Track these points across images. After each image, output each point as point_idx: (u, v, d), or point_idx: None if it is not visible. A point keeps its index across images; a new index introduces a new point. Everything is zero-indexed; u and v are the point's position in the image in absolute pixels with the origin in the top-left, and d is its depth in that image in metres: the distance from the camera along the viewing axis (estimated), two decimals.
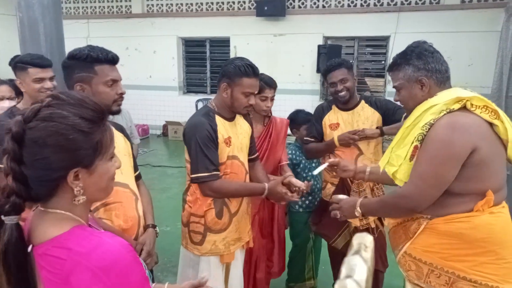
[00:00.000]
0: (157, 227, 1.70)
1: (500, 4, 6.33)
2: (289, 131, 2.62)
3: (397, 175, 1.48)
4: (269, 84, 2.28)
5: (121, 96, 1.52)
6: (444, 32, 6.69)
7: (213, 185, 1.80)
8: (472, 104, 1.38)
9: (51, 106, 0.81)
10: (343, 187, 2.41)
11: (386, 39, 7.25)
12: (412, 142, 1.42)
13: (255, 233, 2.37)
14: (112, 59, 1.48)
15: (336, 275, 2.60)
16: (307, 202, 2.68)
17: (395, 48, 6.98)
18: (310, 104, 7.62)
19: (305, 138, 2.58)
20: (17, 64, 2.11)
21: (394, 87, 1.60)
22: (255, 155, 2.14)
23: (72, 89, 1.45)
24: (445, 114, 1.37)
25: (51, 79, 2.09)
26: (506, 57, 5.80)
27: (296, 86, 7.72)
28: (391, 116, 2.39)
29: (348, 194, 2.36)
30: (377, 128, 2.38)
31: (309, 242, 2.75)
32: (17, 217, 0.81)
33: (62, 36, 2.55)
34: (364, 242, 0.67)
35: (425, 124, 1.39)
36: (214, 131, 1.82)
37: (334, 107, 2.50)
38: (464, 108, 1.38)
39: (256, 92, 1.89)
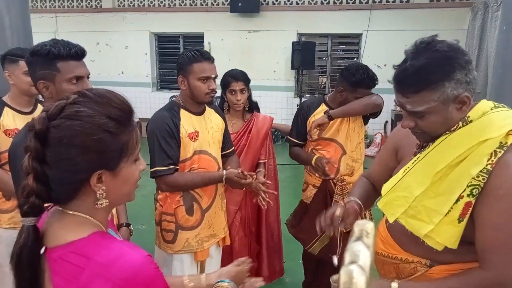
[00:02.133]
0: (131, 226, 1.67)
1: (466, 4, 6.56)
2: None
3: (434, 237, 1.11)
4: (235, 76, 2.26)
5: None
6: (414, 30, 6.86)
7: (167, 179, 1.78)
8: None
9: (77, 104, 0.77)
10: (325, 190, 2.36)
11: (358, 36, 7.38)
12: (461, 196, 1.06)
13: (237, 231, 2.35)
14: (76, 54, 1.38)
15: (308, 275, 2.64)
16: None
17: (367, 45, 7.13)
18: (285, 100, 7.68)
19: (287, 137, 2.56)
20: (7, 56, 2.07)
21: (414, 112, 1.11)
22: (230, 149, 2.12)
23: (36, 86, 1.39)
24: (502, 153, 1.03)
25: None
26: (472, 55, 6.03)
27: (271, 83, 7.74)
28: (368, 115, 2.36)
29: (331, 197, 2.32)
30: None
31: None
32: (35, 219, 0.76)
33: (30, 30, 2.45)
34: (365, 228, 0.68)
35: (480, 172, 1.04)
36: (176, 125, 1.80)
37: (323, 105, 2.38)
38: None
39: (213, 76, 1.82)
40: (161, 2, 8.05)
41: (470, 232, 1.07)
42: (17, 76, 2.05)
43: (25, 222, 0.76)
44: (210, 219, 1.94)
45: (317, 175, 2.38)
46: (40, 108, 2.20)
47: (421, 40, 1.13)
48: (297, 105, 6.75)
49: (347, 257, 0.62)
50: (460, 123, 1.11)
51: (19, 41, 2.35)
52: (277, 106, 7.63)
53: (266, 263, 2.57)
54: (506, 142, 1.04)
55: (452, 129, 1.11)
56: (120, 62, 8.35)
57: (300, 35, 7.59)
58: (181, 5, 7.97)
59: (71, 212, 0.80)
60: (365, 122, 2.39)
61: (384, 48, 7.10)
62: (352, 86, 2.22)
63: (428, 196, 1.12)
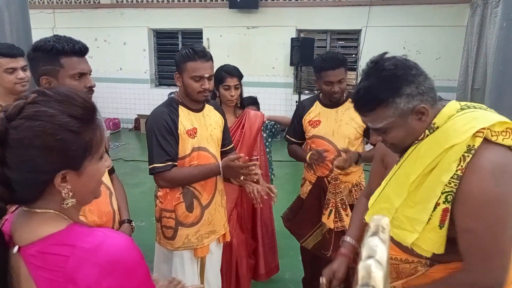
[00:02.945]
0: (133, 222, 1.67)
1: (465, 0, 6.55)
2: None
3: (420, 245, 1.13)
4: (229, 72, 2.25)
5: (90, 89, 1.44)
6: (413, 26, 6.87)
7: (166, 175, 1.77)
8: (492, 133, 1.07)
9: (37, 103, 0.74)
10: (320, 187, 2.36)
11: (357, 32, 7.37)
12: (437, 203, 1.08)
13: (234, 228, 2.36)
14: (79, 51, 1.39)
15: (306, 272, 2.67)
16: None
17: (366, 41, 7.12)
18: (284, 97, 7.68)
19: (286, 136, 2.57)
20: None
21: (376, 129, 1.16)
22: (230, 146, 2.12)
23: (38, 82, 1.39)
24: (471, 158, 1.04)
25: (23, 68, 2.01)
26: (471, 51, 6.03)
27: (270, 79, 7.73)
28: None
29: (325, 195, 2.34)
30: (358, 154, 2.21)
31: None
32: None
33: (29, 26, 2.44)
34: (381, 224, 0.68)
35: (452, 178, 1.06)
36: (174, 121, 1.79)
37: (317, 103, 2.38)
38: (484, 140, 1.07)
39: (207, 76, 1.79)
40: None
41: (455, 233, 1.10)
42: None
43: None
44: (210, 215, 1.93)
45: (312, 171, 2.39)
46: None
47: (371, 60, 1.16)
48: (296, 102, 6.74)
49: (364, 252, 0.62)
50: (427, 131, 1.13)
51: (18, 37, 2.34)
52: (276, 102, 7.63)
53: (262, 260, 2.58)
54: (474, 145, 1.05)
55: (420, 138, 1.14)
56: (119, 58, 8.32)
57: (299, 31, 7.58)
58: (179, 1, 7.94)
59: (39, 211, 0.79)
60: (366, 133, 2.32)
61: (383, 44, 7.07)
62: (316, 73, 2.26)
63: (407, 205, 1.15)
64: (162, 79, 8.63)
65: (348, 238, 1.49)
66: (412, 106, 1.09)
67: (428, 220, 1.10)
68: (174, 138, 1.79)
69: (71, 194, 0.79)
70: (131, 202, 1.76)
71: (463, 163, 1.05)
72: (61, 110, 0.75)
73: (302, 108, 2.43)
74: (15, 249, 0.77)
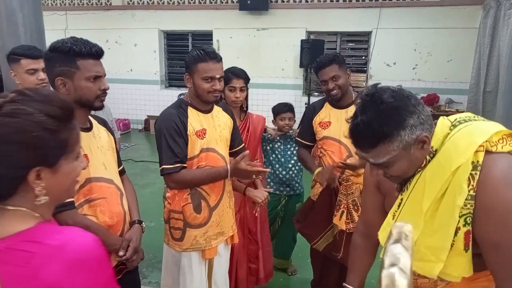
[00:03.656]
0: (143, 223, 1.68)
1: (477, 1, 6.47)
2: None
3: (449, 272, 1.10)
4: (236, 74, 2.26)
5: (104, 91, 1.47)
6: (424, 28, 6.81)
7: (175, 177, 1.78)
8: (491, 143, 1.07)
9: (16, 102, 0.77)
10: (330, 188, 2.35)
11: (368, 34, 7.32)
12: (458, 228, 1.06)
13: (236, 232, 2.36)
14: (96, 53, 1.41)
15: (315, 274, 2.66)
16: (281, 188, 2.83)
17: (377, 43, 7.08)
18: (293, 98, 7.65)
19: (296, 138, 2.59)
20: (10, 56, 2.07)
21: (379, 164, 1.11)
22: (240, 146, 2.12)
23: (53, 83, 1.41)
24: (478, 174, 1.03)
25: (44, 70, 2.05)
26: (483, 53, 5.96)
27: (279, 81, 7.73)
28: None
29: (336, 196, 2.33)
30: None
31: (275, 224, 2.88)
32: None
33: (42, 27, 2.46)
34: (403, 231, 0.67)
35: (466, 200, 1.04)
36: (183, 123, 1.80)
37: (326, 104, 2.39)
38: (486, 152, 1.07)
39: (218, 76, 1.81)
40: (170, 0, 8.07)
41: (477, 247, 1.08)
42: (20, 75, 2.04)
43: None
44: (218, 217, 1.93)
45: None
46: None
47: (366, 93, 1.10)
48: (305, 104, 6.73)
49: (387, 260, 0.61)
50: (428, 156, 1.11)
51: (31, 39, 2.36)
52: None
53: (262, 264, 2.57)
54: (478, 161, 1.04)
55: (423, 165, 1.12)
56: (129, 59, 8.39)
57: (309, 33, 7.56)
58: (190, 3, 7.98)
59: (11, 208, 0.81)
60: None
61: (393, 46, 7.04)
62: (315, 73, 2.33)
63: (426, 235, 1.11)
64: (172, 80, 8.67)
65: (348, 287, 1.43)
66: (415, 136, 1.05)
67: (452, 246, 1.07)
68: (183, 140, 1.79)
69: (44, 191, 0.81)
70: (141, 203, 1.77)
71: (473, 182, 1.03)
72: (39, 109, 0.78)
73: (312, 110, 2.44)
74: None
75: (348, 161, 2.23)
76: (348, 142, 2.26)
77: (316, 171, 2.32)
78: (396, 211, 1.20)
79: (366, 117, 1.06)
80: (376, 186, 1.38)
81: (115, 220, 1.52)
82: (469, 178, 1.03)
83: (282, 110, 2.84)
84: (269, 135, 2.81)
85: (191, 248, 1.90)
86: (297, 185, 2.89)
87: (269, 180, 2.77)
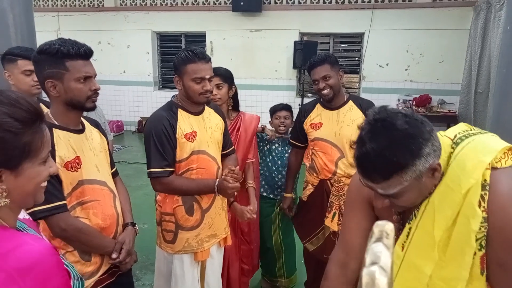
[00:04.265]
0: (136, 225, 1.67)
1: (469, 3, 6.54)
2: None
3: None
4: (215, 71, 2.24)
5: (95, 92, 1.45)
6: (417, 29, 6.87)
7: (163, 181, 1.78)
8: (495, 160, 1.02)
9: None
10: (322, 189, 2.36)
11: (360, 35, 7.37)
12: (474, 254, 0.99)
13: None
14: (84, 54, 1.39)
15: (309, 275, 2.65)
16: (275, 192, 2.75)
17: (370, 45, 7.12)
18: (286, 100, 7.66)
19: (289, 140, 2.58)
20: (6, 56, 2.05)
21: (390, 195, 1.01)
22: (230, 148, 2.10)
23: (43, 85, 1.39)
24: (488, 194, 0.98)
25: None
26: (474, 54, 6.01)
27: (273, 82, 7.74)
28: None
29: (327, 197, 2.33)
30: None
31: (276, 239, 2.76)
32: None
33: (33, 28, 2.44)
34: (385, 229, 0.67)
35: (481, 223, 0.97)
36: (172, 126, 1.78)
37: (318, 105, 2.39)
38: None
39: (208, 77, 1.78)
40: (163, 1, 8.05)
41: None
42: (16, 76, 2.03)
43: None
44: (211, 219, 1.92)
45: (314, 174, 2.40)
46: (41, 107, 2.19)
47: (375, 117, 0.99)
48: (299, 105, 6.74)
49: (368, 258, 0.61)
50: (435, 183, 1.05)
51: (22, 40, 2.34)
52: None
53: (250, 260, 2.58)
54: (486, 180, 0.98)
55: (430, 193, 1.04)
56: (122, 61, 8.35)
57: (302, 34, 7.58)
58: (183, 4, 7.96)
59: None
60: None
61: (386, 48, 7.09)
62: (308, 72, 2.33)
63: (439, 267, 1.03)
64: (165, 82, 8.65)
65: None
66: (428, 165, 0.96)
67: (469, 273, 1.00)
68: (172, 143, 1.78)
69: (5, 194, 0.80)
70: (134, 205, 1.76)
71: (484, 203, 0.97)
72: (3, 111, 0.77)
73: (303, 111, 2.44)
74: None
75: (340, 163, 2.27)
76: (339, 143, 2.28)
77: (285, 195, 2.55)
78: (405, 242, 1.10)
79: (377, 146, 0.95)
80: (369, 205, 1.23)
81: (108, 222, 1.51)
82: (480, 200, 0.98)
83: (277, 108, 2.83)
84: (267, 136, 2.76)
85: (183, 250, 1.89)
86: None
87: (263, 182, 2.74)
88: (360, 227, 1.23)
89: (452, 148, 1.05)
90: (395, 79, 7.20)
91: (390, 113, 0.98)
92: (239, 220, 2.13)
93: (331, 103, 2.32)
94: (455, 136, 1.07)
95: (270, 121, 2.86)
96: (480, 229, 0.97)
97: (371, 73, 7.31)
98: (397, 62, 7.13)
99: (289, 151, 2.66)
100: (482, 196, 0.98)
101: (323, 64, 2.22)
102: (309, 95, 7.49)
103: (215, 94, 2.22)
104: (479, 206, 0.97)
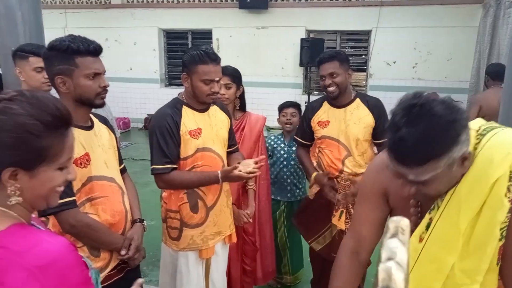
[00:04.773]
0: (144, 221, 1.68)
1: (477, 0, 6.47)
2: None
3: None
4: (223, 71, 2.24)
5: (104, 89, 1.46)
6: (425, 27, 6.81)
7: (165, 177, 1.78)
8: None
9: (11, 101, 0.78)
10: (329, 187, 2.31)
11: (367, 33, 7.32)
12: (496, 245, 1.00)
13: None
14: (94, 51, 1.40)
15: (315, 273, 2.64)
16: (282, 194, 2.71)
17: (377, 42, 7.07)
18: (293, 97, 7.62)
19: (294, 137, 2.56)
20: (18, 52, 2.06)
21: (420, 182, 0.99)
22: (234, 147, 2.10)
23: (53, 81, 1.40)
24: None
25: None
26: (483, 52, 5.96)
27: (279, 80, 7.72)
28: (377, 130, 2.26)
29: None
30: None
31: (281, 236, 2.75)
32: None
33: (41, 25, 2.44)
34: (400, 225, 0.67)
35: (507, 214, 0.98)
36: (176, 123, 1.78)
37: (325, 103, 2.37)
38: None
39: (217, 79, 1.79)
40: None
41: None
42: (27, 72, 2.04)
43: None
44: (215, 216, 1.92)
45: (321, 173, 2.37)
46: None
47: (411, 103, 0.96)
48: (305, 102, 6.72)
49: (384, 254, 0.61)
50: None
51: (31, 37, 2.34)
52: None
53: (260, 264, 2.54)
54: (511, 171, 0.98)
55: (456, 182, 1.03)
56: (129, 58, 8.38)
57: (308, 31, 7.55)
58: (189, 1, 7.96)
59: None
60: (373, 133, 2.30)
61: (393, 45, 7.04)
62: (317, 67, 2.30)
63: (461, 257, 1.03)
64: (171, 79, 8.66)
65: None
66: (462, 153, 0.96)
67: (489, 265, 1.01)
68: (175, 140, 1.78)
69: (18, 193, 0.80)
70: (141, 201, 1.77)
71: (510, 194, 0.97)
72: (29, 112, 0.78)
73: (311, 109, 2.43)
74: None
75: (347, 161, 2.25)
76: (346, 141, 2.27)
77: (313, 175, 2.34)
78: (423, 233, 1.08)
79: (415, 131, 0.93)
80: (383, 197, 1.22)
81: (117, 218, 1.52)
82: (506, 191, 0.97)
83: (284, 105, 2.81)
84: (272, 136, 2.75)
85: (188, 247, 1.89)
86: (298, 190, 2.77)
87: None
88: (373, 218, 1.23)
89: (478, 139, 1.03)
90: (403, 77, 7.15)
91: (427, 98, 0.96)
92: (235, 223, 2.12)
93: (337, 101, 2.31)
94: (479, 127, 1.07)
95: (278, 118, 2.85)
96: (505, 222, 0.97)
97: (378, 71, 7.27)
98: (405, 60, 7.08)
99: (296, 152, 2.64)
100: (508, 188, 0.97)
101: (332, 60, 2.20)
102: (315, 92, 7.47)
103: (223, 94, 2.22)
104: (506, 196, 0.97)
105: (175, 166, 1.80)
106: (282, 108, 2.81)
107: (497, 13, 5.63)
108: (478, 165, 1.00)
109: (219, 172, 1.80)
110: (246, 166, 1.90)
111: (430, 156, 0.94)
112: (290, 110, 2.76)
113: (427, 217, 1.09)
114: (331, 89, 2.23)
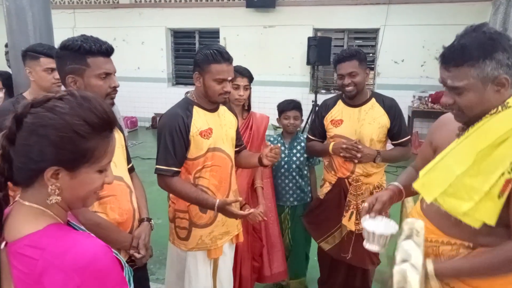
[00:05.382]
0: (152, 220, 1.69)
1: None
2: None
3: (473, 214, 1.11)
4: (241, 72, 2.24)
5: (114, 89, 1.47)
6: (433, 25, 6.74)
7: (167, 180, 1.78)
8: None
9: (61, 100, 0.80)
10: (340, 187, 2.32)
11: (375, 31, 7.28)
12: (502, 174, 1.08)
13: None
14: (106, 51, 1.42)
15: (323, 273, 2.62)
16: (284, 199, 2.63)
17: (385, 40, 7.03)
18: (300, 96, 7.62)
19: (307, 135, 2.52)
20: (28, 52, 2.07)
21: (453, 87, 1.17)
22: (241, 146, 2.10)
23: (64, 81, 1.42)
24: None
25: None
26: None
27: (286, 78, 7.71)
28: (394, 131, 2.25)
29: (345, 196, 2.29)
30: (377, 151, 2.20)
31: (285, 238, 2.70)
32: None
33: (51, 25, 2.48)
34: (415, 227, 0.67)
35: None
36: (186, 125, 1.77)
37: (340, 102, 2.34)
38: None
39: (230, 79, 1.79)
40: None
41: (508, 212, 1.11)
42: (37, 73, 2.05)
43: None
44: (224, 216, 1.90)
45: (332, 172, 2.36)
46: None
47: (472, 26, 1.16)
48: (312, 101, 6.70)
49: (399, 256, 0.61)
50: (500, 107, 1.14)
51: (41, 37, 2.37)
52: None
53: (268, 262, 2.54)
54: None
55: (491, 113, 1.15)
56: (137, 57, 8.43)
57: (316, 30, 7.53)
58: (197, 1, 7.99)
59: (27, 204, 0.81)
60: (390, 135, 2.29)
61: (401, 43, 6.99)
62: (334, 66, 2.28)
63: (469, 174, 1.12)
64: (179, 78, 8.70)
65: (395, 183, 1.57)
66: (497, 74, 1.10)
67: (489, 190, 1.09)
68: (183, 143, 1.77)
69: (58, 192, 0.81)
70: (148, 200, 1.78)
71: None
72: (77, 112, 0.79)
73: (324, 107, 2.39)
74: (2, 245, 0.79)
75: (361, 146, 2.19)
76: (360, 141, 2.24)
77: (331, 144, 2.28)
78: (448, 151, 1.22)
79: (463, 40, 1.13)
80: (430, 141, 1.49)
81: (125, 217, 1.53)
82: None
83: (286, 107, 2.60)
84: (271, 138, 2.67)
85: (197, 247, 1.90)
86: (302, 194, 2.63)
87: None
88: (424, 155, 1.53)
89: None
90: (411, 75, 7.09)
91: (487, 24, 1.15)
92: (250, 222, 2.13)
93: (352, 100, 2.27)
94: None
95: (278, 119, 2.68)
96: None
97: (386, 69, 7.22)
98: (413, 58, 7.02)
99: (297, 154, 2.59)
100: None
101: (352, 59, 2.16)
102: (322, 91, 7.44)
103: (241, 95, 2.24)
104: None
105: (178, 169, 1.80)
106: (283, 110, 2.61)
107: (508, 11, 5.56)
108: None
109: (217, 200, 1.77)
110: (253, 217, 2.09)
111: (464, 60, 1.12)
112: (293, 114, 2.59)
113: (454, 142, 1.23)
114: (349, 88, 2.19)
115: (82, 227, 0.97)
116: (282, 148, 2.62)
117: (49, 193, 0.80)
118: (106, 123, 0.83)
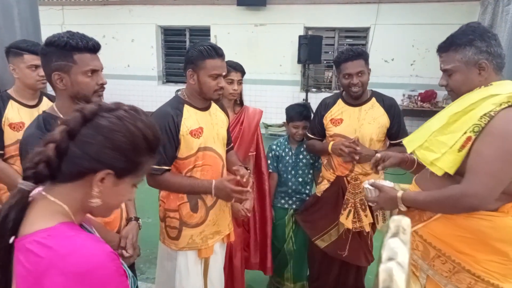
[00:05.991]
0: (140, 220, 1.67)
1: None
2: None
3: (437, 164, 1.37)
4: (234, 67, 2.25)
5: (102, 86, 1.44)
6: (423, 24, 6.81)
7: (156, 178, 1.76)
8: None
9: (127, 112, 0.85)
10: (338, 185, 2.32)
11: (366, 30, 7.32)
12: (465, 132, 1.31)
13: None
14: (92, 48, 1.39)
15: (312, 270, 2.62)
16: (290, 202, 2.62)
17: (375, 39, 7.07)
18: (290, 94, 7.66)
19: (306, 133, 2.50)
20: (11, 49, 2.03)
21: (444, 70, 1.46)
22: (230, 146, 2.10)
23: (49, 78, 1.39)
24: (507, 107, 1.27)
25: None
26: None
27: (277, 77, 7.72)
28: (393, 130, 2.25)
29: (343, 194, 2.30)
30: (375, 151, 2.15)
31: (288, 242, 2.68)
32: (33, 186, 0.80)
33: (38, 22, 2.43)
34: (401, 225, 0.66)
35: (484, 115, 1.28)
36: (176, 124, 1.75)
37: (340, 101, 2.32)
38: None
39: (224, 74, 1.79)
40: None
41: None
42: (21, 70, 2.01)
43: (23, 185, 0.78)
44: (215, 216, 1.90)
45: (331, 170, 2.35)
46: (45, 101, 2.18)
47: (468, 23, 1.45)
48: (303, 99, 6.72)
49: (384, 254, 0.61)
50: (483, 86, 1.38)
51: (28, 33, 2.33)
52: (283, 100, 7.59)
53: (253, 252, 2.57)
54: (509, 101, 1.27)
55: (474, 91, 1.39)
56: (126, 55, 8.36)
57: (307, 28, 7.54)
58: None
59: (52, 199, 0.81)
60: (388, 134, 2.29)
61: (391, 42, 7.03)
62: (337, 68, 2.24)
63: (442, 133, 1.39)
64: (169, 76, 8.64)
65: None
66: (477, 58, 1.36)
67: (453, 145, 1.33)
68: (173, 142, 1.75)
69: (99, 195, 0.82)
70: (138, 199, 1.76)
71: (499, 108, 1.27)
72: (140, 128, 0.85)
73: (324, 106, 2.38)
74: (11, 239, 0.77)
75: (359, 148, 2.17)
76: (359, 140, 2.22)
77: (330, 144, 2.26)
78: (432, 118, 1.51)
79: (454, 32, 1.45)
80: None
81: (112, 217, 1.51)
82: (499, 104, 1.28)
83: (297, 117, 2.51)
84: (277, 142, 2.64)
85: (188, 247, 1.88)
86: (307, 198, 2.61)
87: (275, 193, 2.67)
88: None
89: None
90: (401, 74, 7.15)
91: (479, 23, 1.45)
92: (234, 217, 2.11)
93: (355, 100, 2.26)
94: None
95: (285, 122, 2.64)
96: (481, 118, 1.28)
97: (376, 68, 7.21)
98: (403, 57, 7.08)
99: (303, 159, 2.57)
100: (501, 104, 1.28)
101: (359, 59, 2.14)
102: (313, 90, 7.47)
103: (235, 90, 2.25)
104: (495, 107, 1.28)
105: (168, 168, 1.78)
106: (292, 119, 2.53)
107: (495, 11, 5.63)
108: (495, 85, 1.36)
109: (213, 182, 1.75)
110: (237, 211, 2.11)
111: (450, 45, 1.43)
112: (303, 124, 2.51)
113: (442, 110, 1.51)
114: (357, 88, 2.17)
115: (94, 230, 0.96)
116: (290, 153, 2.60)
117: (92, 196, 0.82)
118: (156, 145, 0.89)
